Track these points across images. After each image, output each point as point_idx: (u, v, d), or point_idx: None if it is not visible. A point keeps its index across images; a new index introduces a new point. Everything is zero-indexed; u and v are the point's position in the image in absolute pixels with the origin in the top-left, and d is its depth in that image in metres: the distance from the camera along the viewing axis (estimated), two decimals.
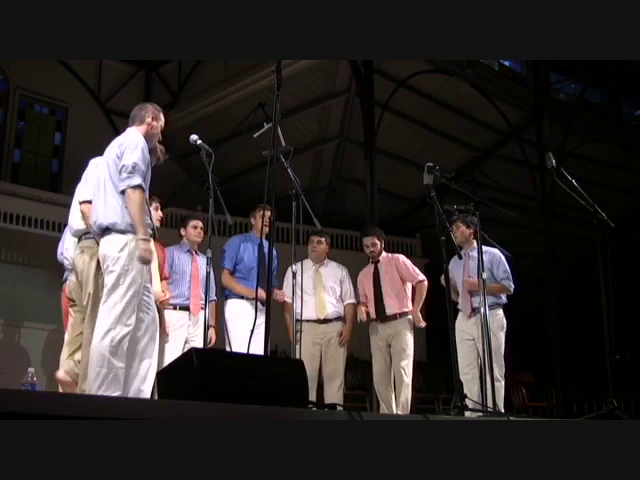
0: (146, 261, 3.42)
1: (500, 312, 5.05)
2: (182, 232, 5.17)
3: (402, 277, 5.40)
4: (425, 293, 5.41)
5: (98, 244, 3.52)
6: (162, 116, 3.77)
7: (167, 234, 5.41)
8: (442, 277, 5.14)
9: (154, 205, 4.64)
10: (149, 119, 3.67)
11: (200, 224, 5.15)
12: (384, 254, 5.53)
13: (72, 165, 11.81)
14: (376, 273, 5.44)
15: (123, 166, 3.41)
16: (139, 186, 3.41)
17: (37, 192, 11.26)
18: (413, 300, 5.41)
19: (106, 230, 3.44)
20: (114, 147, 3.53)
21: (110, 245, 3.40)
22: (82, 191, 3.80)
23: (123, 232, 3.41)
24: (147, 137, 3.62)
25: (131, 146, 3.46)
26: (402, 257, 5.55)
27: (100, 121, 12.77)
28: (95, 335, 3.30)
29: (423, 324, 5.34)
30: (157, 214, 4.62)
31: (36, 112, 12.93)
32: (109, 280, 3.36)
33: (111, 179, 3.47)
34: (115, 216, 3.42)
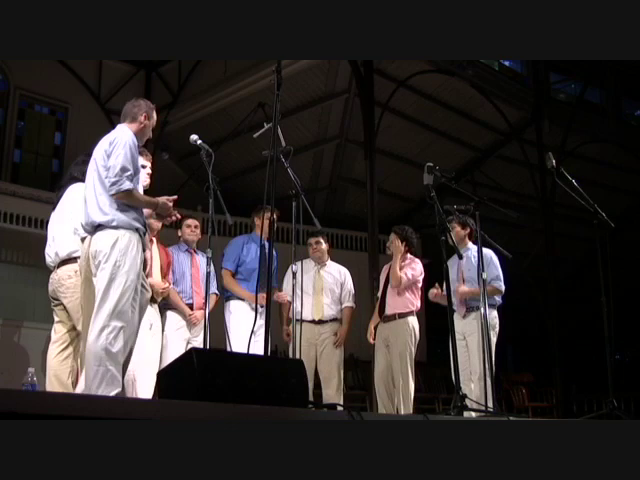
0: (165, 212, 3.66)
1: (494, 312, 5.05)
2: (179, 233, 5.19)
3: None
4: (398, 284, 5.26)
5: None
6: (155, 114, 3.73)
7: (167, 234, 5.39)
8: (430, 291, 5.17)
9: None
10: (141, 117, 3.63)
11: (195, 222, 5.15)
12: (408, 255, 5.47)
13: None
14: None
15: (110, 167, 3.40)
16: (129, 190, 3.41)
17: (37, 192, 11.24)
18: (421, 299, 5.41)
19: (98, 227, 3.43)
20: (104, 144, 3.51)
21: (101, 240, 3.40)
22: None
23: (115, 228, 3.41)
24: (138, 135, 3.59)
25: (119, 146, 3.43)
26: (415, 260, 5.46)
27: (100, 121, 12.75)
28: (90, 333, 3.29)
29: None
30: None
31: (36, 112, 12.92)
32: (102, 277, 3.34)
33: (100, 178, 3.45)
34: (107, 214, 3.41)
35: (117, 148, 3.43)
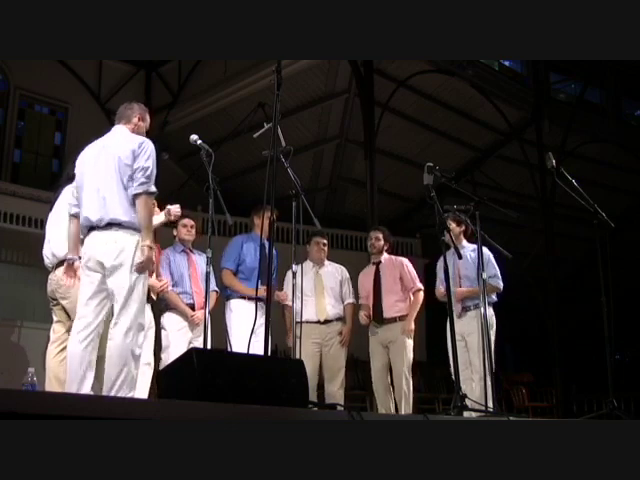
0: (145, 270, 3.44)
1: (491, 310, 5.03)
2: (174, 233, 5.17)
3: (402, 281, 5.39)
4: (420, 303, 5.36)
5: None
6: (148, 117, 3.76)
7: (166, 234, 5.40)
8: (436, 290, 5.17)
9: None
10: (135, 119, 3.66)
11: (191, 222, 5.13)
12: (387, 255, 5.49)
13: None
14: (377, 274, 5.43)
15: (142, 168, 3.41)
16: (153, 194, 3.47)
17: (37, 192, 11.25)
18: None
19: (117, 225, 3.40)
20: (132, 144, 3.47)
21: (127, 241, 3.40)
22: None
23: (135, 229, 3.43)
24: None
25: (149, 150, 3.48)
26: (407, 261, 5.50)
27: (100, 121, 12.73)
28: (117, 334, 3.29)
29: (410, 335, 5.23)
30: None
31: (36, 112, 12.94)
32: (128, 278, 3.36)
33: (121, 176, 3.43)
34: (129, 214, 3.41)
35: (146, 152, 3.48)
